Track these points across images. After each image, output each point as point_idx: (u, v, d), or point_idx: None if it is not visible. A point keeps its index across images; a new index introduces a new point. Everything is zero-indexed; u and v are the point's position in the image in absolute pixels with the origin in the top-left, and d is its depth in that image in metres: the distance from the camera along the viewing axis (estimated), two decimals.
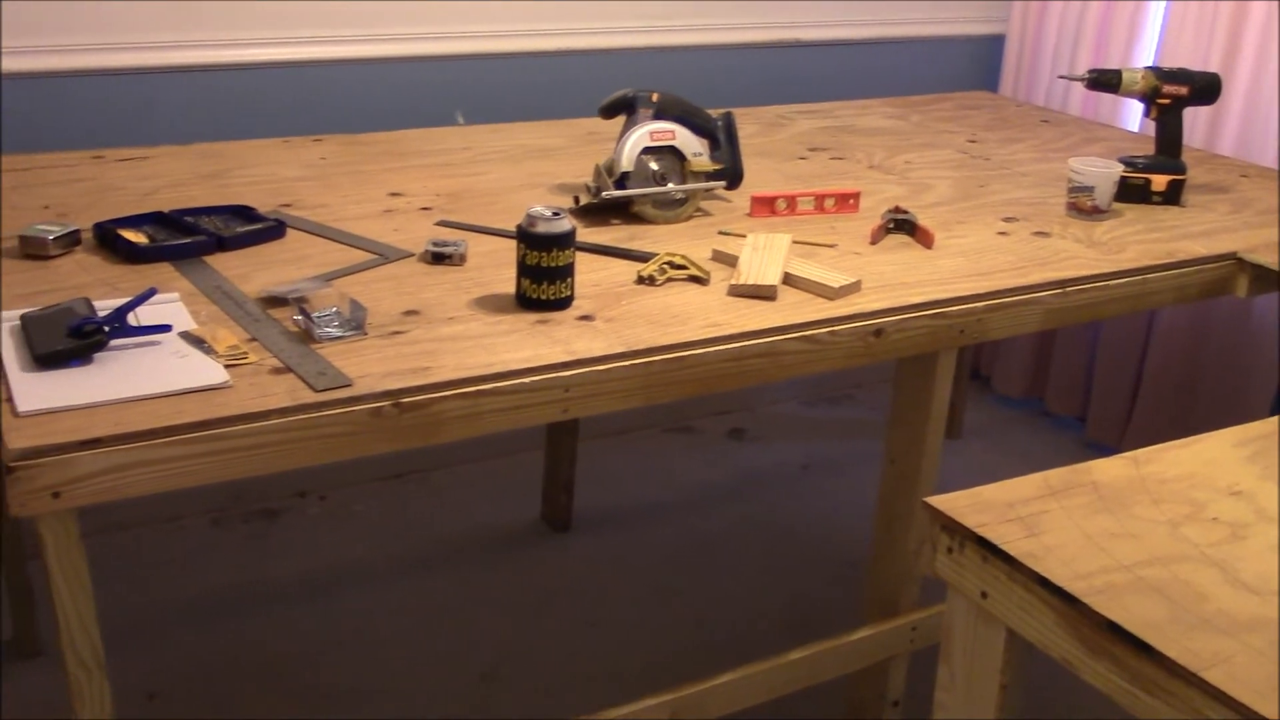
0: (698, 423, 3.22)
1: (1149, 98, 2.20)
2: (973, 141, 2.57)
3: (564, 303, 1.57)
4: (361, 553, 2.61)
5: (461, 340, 1.47)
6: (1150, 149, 2.26)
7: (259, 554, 2.58)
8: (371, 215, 1.90)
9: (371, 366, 1.39)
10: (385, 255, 1.73)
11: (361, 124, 2.48)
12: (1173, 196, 2.19)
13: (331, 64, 2.56)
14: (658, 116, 1.96)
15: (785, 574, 2.61)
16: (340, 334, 1.45)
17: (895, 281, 1.75)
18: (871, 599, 1.97)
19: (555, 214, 1.56)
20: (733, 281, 1.67)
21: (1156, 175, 2.18)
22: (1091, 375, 3.20)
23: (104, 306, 1.44)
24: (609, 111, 2.01)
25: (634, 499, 2.87)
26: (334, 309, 1.49)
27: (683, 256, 1.73)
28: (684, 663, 2.30)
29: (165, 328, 1.43)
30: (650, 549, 2.68)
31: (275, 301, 1.54)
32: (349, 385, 1.34)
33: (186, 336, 1.43)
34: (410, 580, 2.53)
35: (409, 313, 1.54)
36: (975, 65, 3.33)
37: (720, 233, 1.90)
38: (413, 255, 1.74)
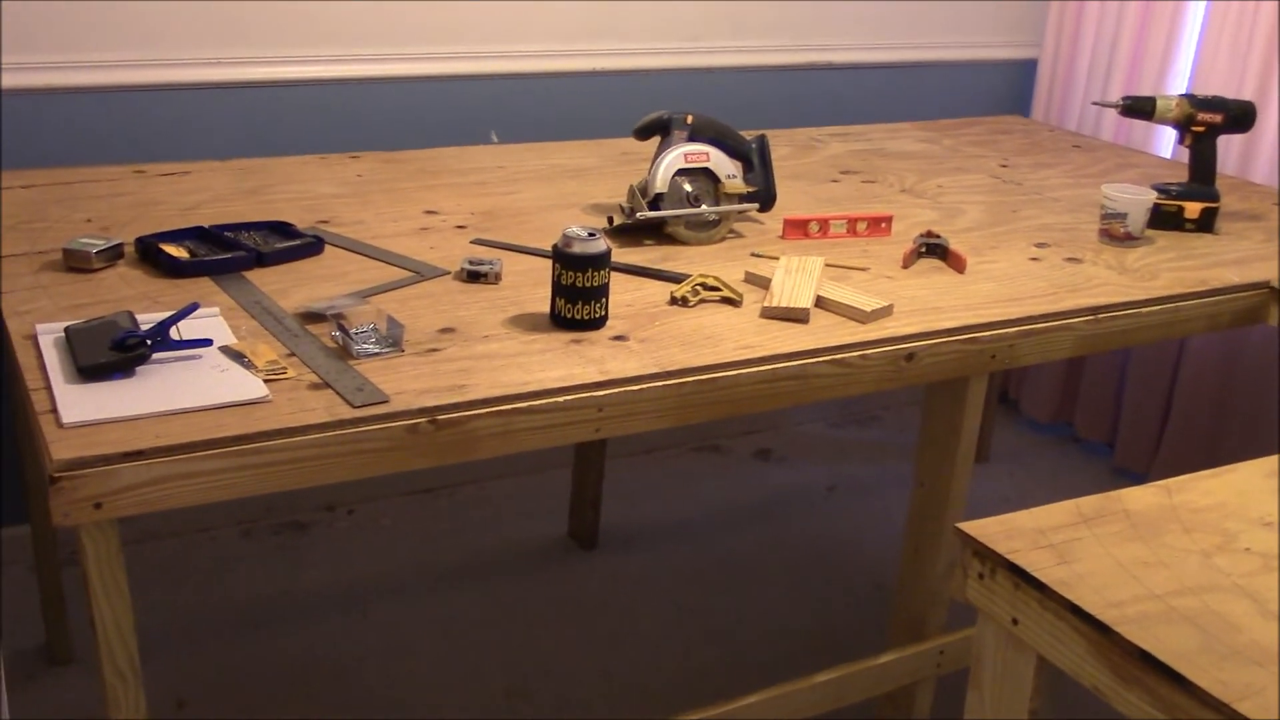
0: (725, 442, 3.23)
1: (1183, 125, 2.20)
2: (1004, 166, 2.58)
3: (598, 323, 1.59)
4: (389, 566, 2.63)
5: (496, 358, 1.49)
6: (1183, 176, 2.26)
7: (288, 566, 2.60)
8: (407, 233, 1.92)
9: (408, 383, 1.41)
10: (421, 273, 1.75)
11: (398, 142, 2.51)
12: (1206, 224, 2.19)
13: (369, 82, 2.59)
14: (692, 138, 1.98)
15: (810, 595, 2.61)
16: (378, 350, 1.47)
17: (927, 306, 1.76)
18: (899, 622, 1.97)
19: (591, 234, 1.58)
20: (765, 304, 1.68)
21: (1190, 202, 2.18)
22: (1121, 401, 3.19)
23: (146, 320, 1.46)
24: (644, 133, 2.02)
25: (660, 517, 2.88)
26: (371, 326, 1.51)
27: (716, 278, 1.74)
28: (708, 681, 2.31)
29: (206, 342, 1.45)
30: (676, 567, 2.69)
31: (313, 317, 1.56)
32: (386, 401, 1.36)
33: (227, 351, 1.45)
34: (437, 594, 2.55)
35: (445, 330, 1.56)
36: (1007, 90, 3.34)
37: (753, 255, 1.91)
38: (448, 273, 1.76)
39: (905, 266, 1.91)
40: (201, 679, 2.25)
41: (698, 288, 1.72)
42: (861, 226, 2.05)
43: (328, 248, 1.83)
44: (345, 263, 1.78)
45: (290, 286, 1.67)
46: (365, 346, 1.47)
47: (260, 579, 2.55)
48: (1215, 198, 2.20)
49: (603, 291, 1.58)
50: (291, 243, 1.79)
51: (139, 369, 1.39)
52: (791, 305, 1.67)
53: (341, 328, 1.49)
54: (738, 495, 3.00)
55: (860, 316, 1.68)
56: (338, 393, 1.37)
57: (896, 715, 1.99)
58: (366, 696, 2.24)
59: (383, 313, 1.54)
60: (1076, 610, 1.08)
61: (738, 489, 3.03)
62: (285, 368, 1.42)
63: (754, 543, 2.79)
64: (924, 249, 1.95)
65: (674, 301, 1.70)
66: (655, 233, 1.95)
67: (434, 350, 1.50)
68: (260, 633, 2.39)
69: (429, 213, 2.02)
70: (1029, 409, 3.39)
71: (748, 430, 3.27)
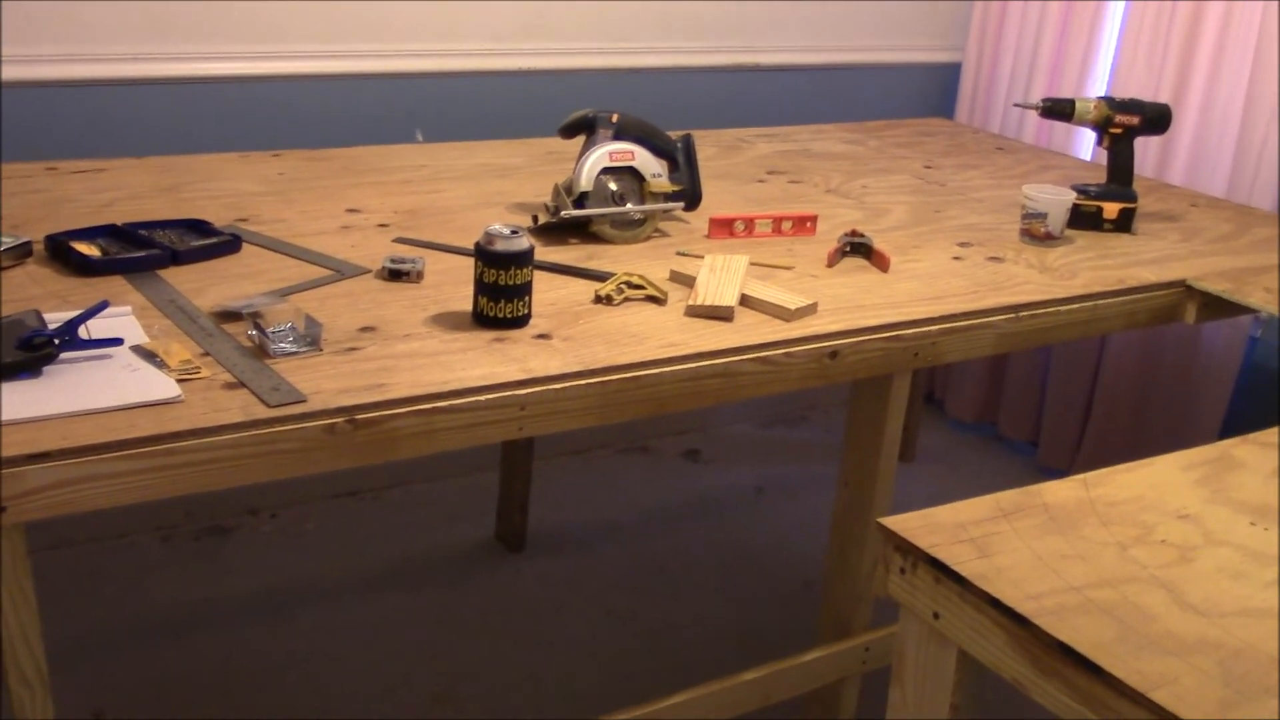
0: (653, 443, 3.22)
1: (1101, 127, 2.24)
2: (929, 167, 2.60)
3: (521, 321, 1.57)
4: (314, 571, 2.59)
5: (417, 357, 1.47)
6: (1102, 177, 2.29)
7: (210, 572, 2.55)
8: (329, 231, 1.89)
9: (326, 383, 1.38)
10: (342, 271, 1.72)
11: (321, 140, 2.47)
12: (1124, 224, 2.22)
13: (292, 79, 2.55)
14: (617, 137, 1.97)
15: (740, 595, 2.62)
16: (295, 350, 1.44)
17: (851, 304, 1.76)
18: (826, 620, 1.97)
19: (514, 232, 1.56)
20: (690, 302, 1.68)
21: (1108, 203, 2.22)
22: (1043, 400, 3.23)
23: (54, 319, 1.42)
24: (569, 131, 2.01)
25: (589, 519, 2.87)
26: (289, 324, 1.48)
27: (640, 276, 1.73)
28: (637, 683, 2.30)
29: (117, 341, 1.42)
30: (605, 569, 2.67)
31: (230, 316, 1.52)
32: (303, 401, 1.33)
33: (138, 350, 1.42)
34: (363, 599, 2.51)
35: (365, 329, 1.54)
36: (932, 92, 3.37)
37: (678, 253, 1.91)
38: (370, 272, 1.73)
39: (830, 265, 1.91)
40: (119, 689, 2.20)
41: (622, 286, 1.71)
42: (787, 226, 2.05)
43: (246, 246, 1.79)
44: (264, 261, 1.75)
45: (206, 285, 1.64)
46: (282, 345, 1.44)
47: (181, 586, 2.50)
48: (1133, 198, 2.23)
49: (525, 290, 1.57)
50: (208, 241, 1.75)
51: (46, 369, 1.35)
52: (716, 303, 1.66)
53: (258, 326, 1.46)
54: (666, 496, 2.99)
55: (784, 315, 1.68)
56: (253, 392, 1.34)
57: (823, 713, 2.00)
58: (289, 703, 2.20)
59: (301, 311, 1.51)
60: (996, 603, 1.09)
61: (666, 490, 3.02)
62: (199, 367, 1.38)
63: (683, 544, 2.79)
64: (848, 248, 1.96)
65: (598, 300, 1.69)
66: (580, 231, 1.94)
67: (353, 349, 1.47)
68: (180, 641, 2.34)
69: (351, 211, 2.00)
70: (954, 409, 3.43)
71: (676, 431, 3.27)
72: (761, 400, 3.35)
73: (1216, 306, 2.00)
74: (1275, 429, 1.47)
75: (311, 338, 1.47)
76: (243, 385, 1.36)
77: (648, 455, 3.18)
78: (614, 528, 2.84)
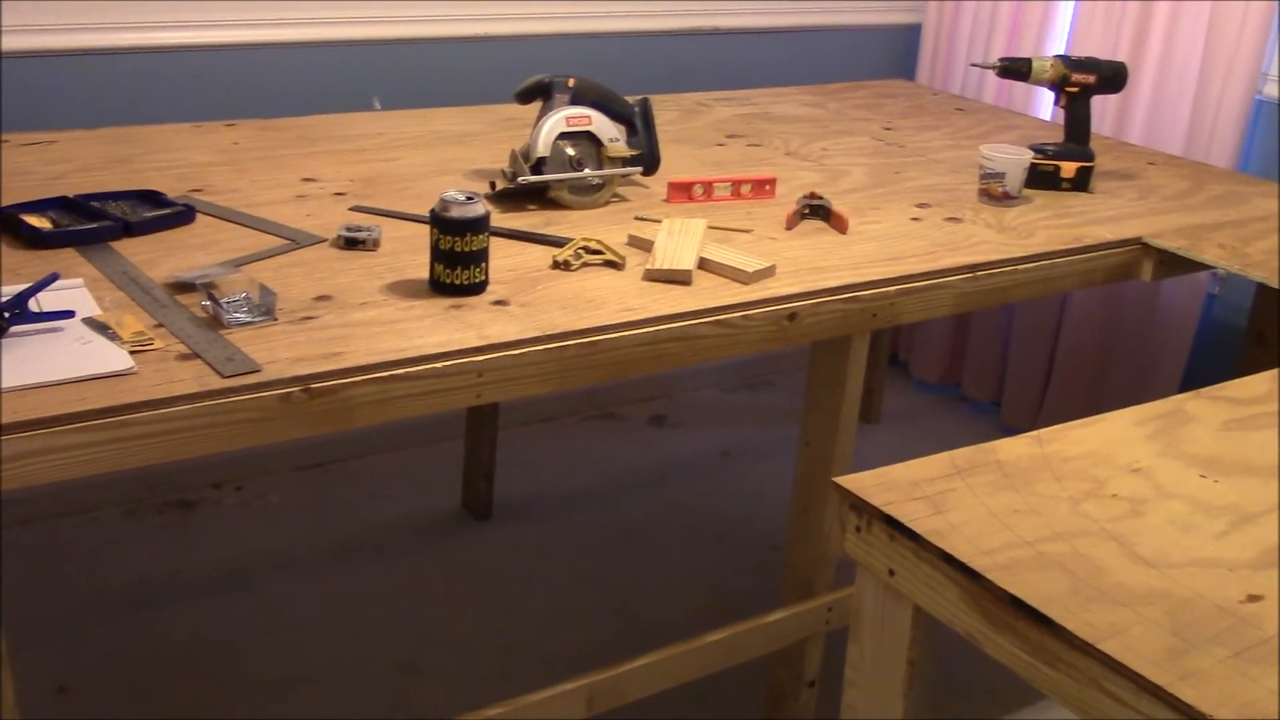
0: (619, 409, 3.23)
1: (1058, 86, 2.24)
2: (888, 129, 2.60)
3: (478, 288, 1.57)
4: (280, 543, 2.58)
5: (374, 325, 1.46)
6: (1061, 137, 2.30)
7: (175, 545, 2.54)
8: (284, 200, 1.88)
9: (281, 352, 1.37)
10: (297, 240, 1.71)
11: (277, 109, 2.45)
12: (1081, 183, 2.23)
13: (247, 48, 2.52)
14: (574, 102, 1.96)
15: (707, 559, 2.63)
16: (249, 319, 1.43)
17: (809, 266, 1.77)
18: (790, 581, 1.99)
19: (469, 198, 1.55)
20: (648, 266, 1.68)
21: (1065, 162, 2.22)
22: (1006, 361, 3.25)
23: (4, 293, 1.41)
24: (525, 97, 2.00)
25: (555, 486, 2.87)
26: (244, 294, 1.47)
27: (598, 241, 1.73)
28: (607, 649, 2.31)
29: (68, 314, 1.40)
30: (572, 536, 2.68)
31: (183, 287, 1.51)
32: (258, 371, 1.32)
33: (90, 323, 1.40)
34: (330, 570, 2.51)
35: (321, 298, 1.53)
36: (892, 54, 3.37)
37: (637, 218, 1.90)
38: (325, 241, 1.72)
39: (788, 228, 1.91)
40: (83, 664, 2.19)
41: (580, 251, 1.71)
42: (745, 189, 2.05)
43: (200, 217, 1.78)
44: (218, 232, 1.74)
45: (159, 256, 1.62)
46: (236, 315, 1.43)
47: (145, 560, 2.49)
48: (1090, 157, 2.24)
49: (482, 256, 1.56)
50: (161, 212, 1.74)
51: None
52: (673, 267, 1.66)
53: (212, 297, 1.45)
54: (632, 462, 3.00)
55: (742, 277, 1.68)
56: (207, 363, 1.33)
57: (789, 673, 2.01)
58: (256, 676, 2.20)
59: (255, 281, 1.50)
60: (949, 559, 1.10)
61: (632, 456, 3.03)
62: (152, 339, 1.37)
63: (650, 509, 2.80)
64: (807, 210, 1.96)
65: (556, 265, 1.68)
66: (538, 197, 1.93)
67: (309, 318, 1.47)
68: (145, 615, 2.33)
69: (307, 180, 1.98)
70: (918, 370, 3.45)
71: (642, 397, 3.27)
72: (726, 364, 3.35)
73: (1172, 264, 2.01)
74: (1226, 383, 1.48)
75: (266, 307, 1.46)
76: (197, 356, 1.35)
77: (613, 421, 3.18)
78: (580, 494, 2.84)
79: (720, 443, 3.11)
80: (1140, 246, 2.01)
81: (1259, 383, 1.49)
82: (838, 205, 1.97)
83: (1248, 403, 1.43)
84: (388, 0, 2.63)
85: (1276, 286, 1.88)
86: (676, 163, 2.18)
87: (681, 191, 2.01)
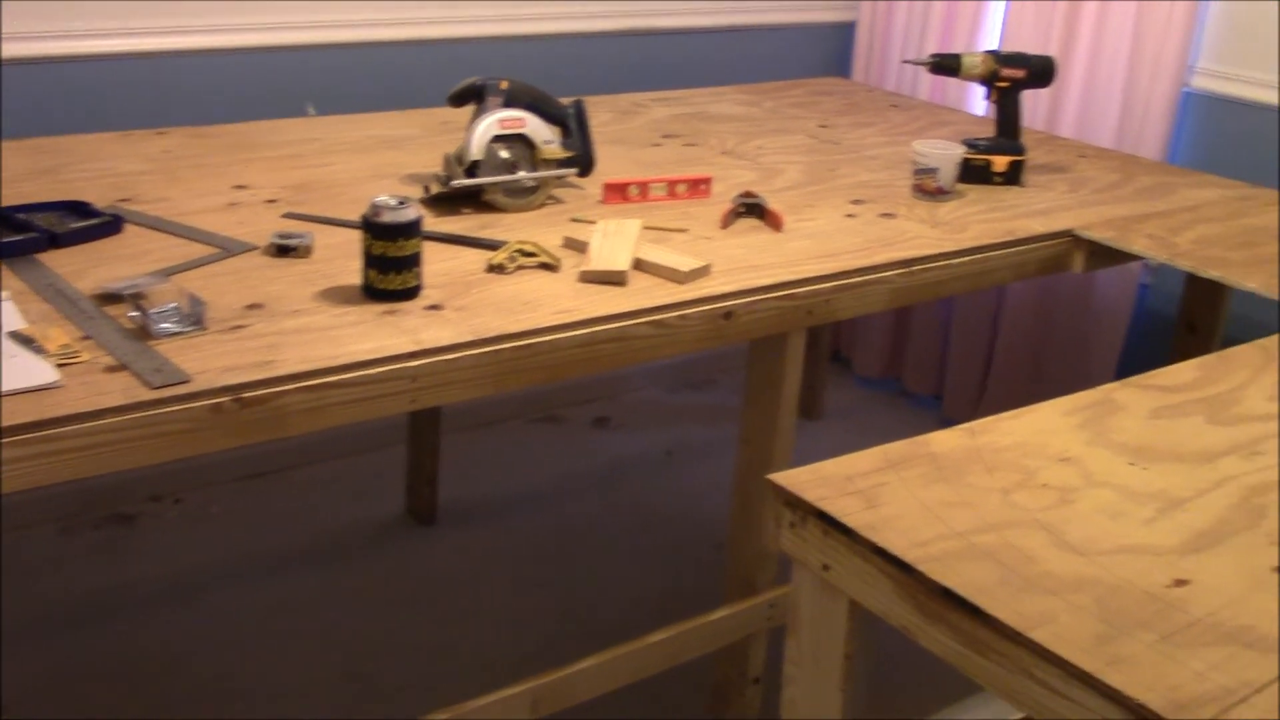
0: (562, 412, 3.22)
1: (988, 81, 2.26)
2: (824, 127, 2.61)
3: (411, 293, 1.56)
4: (221, 555, 2.55)
5: (306, 333, 1.45)
6: (993, 132, 2.32)
7: (113, 561, 2.51)
8: (215, 209, 1.86)
9: (212, 362, 1.36)
10: (228, 249, 1.69)
11: (209, 117, 2.42)
12: (1013, 177, 2.26)
13: (179, 55, 2.49)
14: (507, 104, 1.95)
15: (653, 560, 2.63)
16: (179, 329, 1.42)
17: (745, 264, 1.77)
18: (732, 579, 1.99)
19: (400, 203, 1.54)
20: (583, 268, 1.68)
21: (997, 156, 2.25)
22: (946, 354, 3.28)
23: None
24: (457, 100, 1.99)
25: (500, 490, 2.86)
26: (173, 305, 1.46)
27: (533, 244, 1.73)
28: (553, 652, 2.30)
29: None
30: (517, 540, 2.67)
31: (111, 299, 1.49)
32: (187, 381, 1.31)
33: (15, 336, 1.38)
34: (273, 580, 2.48)
35: (252, 306, 1.51)
36: (827, 52, 3.39)
37: (572, 220, 1.90)
38: (257, 248, 1.70)
39: (724, 227, 1.92)
40: (21, 683, 2.15)
41: (515, 254, 1.70)
42: (681, 189, 2.06)
43: (129, 227, 1.75)
44: (147, 242, 1.71)
45: (87, 268, 1.60)
46: (165, 326, 1.41)
47: (84, 576, 2.45)
48: (1021, 151, 2.26)
49: (414, 261, 1.55)
50: (88, 222, 1.71)
51: None
52: (608, 268, 1.66)
53: (140, 307, 1.43)
54: (576, 464, 3.00)
55: (678, 277, 1.68)
56: (135, 374, 1.32)
57: (734, 670, 2.02)
58: (198, 689, 2.17)
59: (185, 291, 1.48)
60: (882, 553, 1.11)
61: (576, 458, 3.03)
62: (79, 351, 1.35)
63: (594, 511, 2.80)
64: (742, 209, 1.97)
65: (491, 269, 1.68)
66: (473, 201, 1.92)
67: (239, 327, 1.45)
68: (84, 632, 2.30)
69: (238, 188, 1.96)
70: (860, 366, 3.47)
71: (585, 399, 3.27)
72: (669, 364, 3.36)
73: (1103, 255, 2.04)
74: (1154, 372, 1.50)
75: (196, 317, 1.44)
76: (124, 368, 1.33)
77: (557, 424, 3.18)
78: (525, 497, 2.84)
79: (664, 443, 3.12)
80: (1071, 238, 2.04)
81: (1185, 371, 1.51)
82: (773, 203, 1.98)
83: (1174, 390, 1.46)
84: (322, 6, 2.61)
85: (1204, 276, 1.91)
86: (612, 164, 2.18)
87: (617, 192, 2.01)
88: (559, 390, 3.19)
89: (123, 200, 1.86)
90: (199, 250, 1.69)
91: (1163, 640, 0.99)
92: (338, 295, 1.56)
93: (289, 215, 1.84)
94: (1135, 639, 1.00)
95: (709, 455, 3.06)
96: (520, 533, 2.70)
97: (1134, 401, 1.43)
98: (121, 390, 1.29)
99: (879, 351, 3.41)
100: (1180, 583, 1.08)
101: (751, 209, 1.98)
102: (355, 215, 1.80)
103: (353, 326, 1.48)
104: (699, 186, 2.07)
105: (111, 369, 1.33)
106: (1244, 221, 2.15)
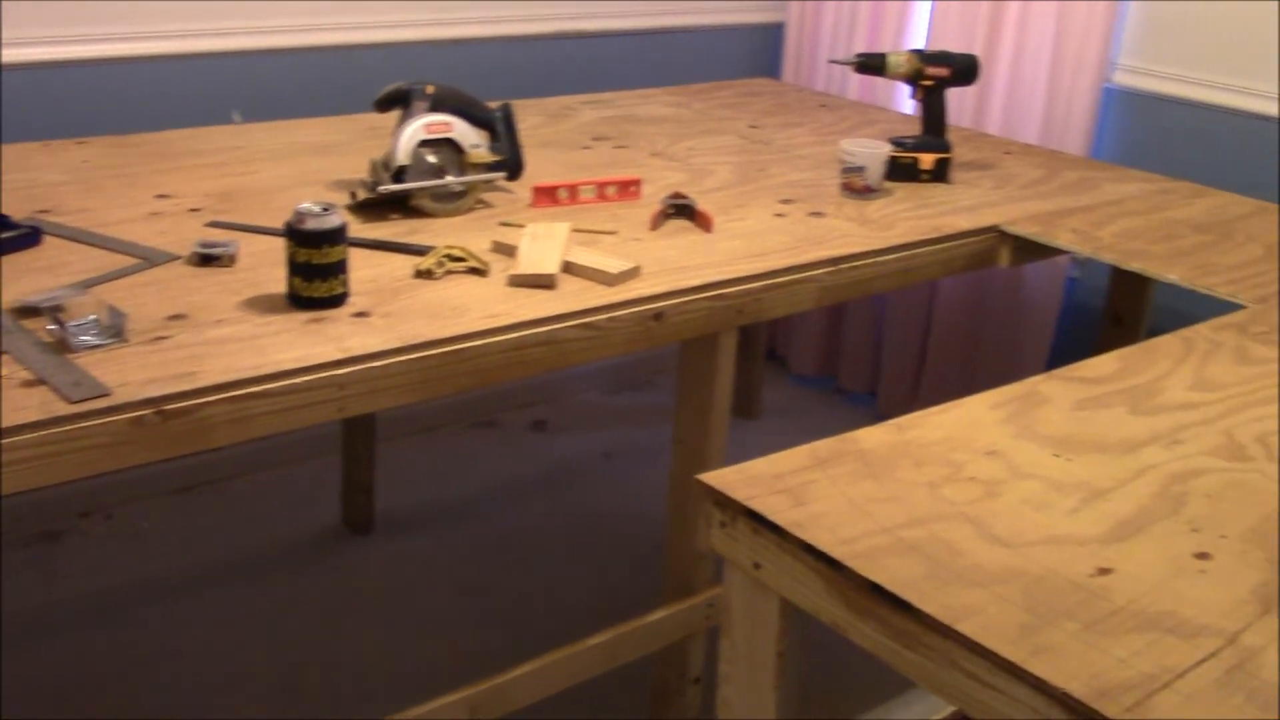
0: (500, 417, 3.21)
1: (913, 80, 2.29)
2: (754, 127, 2.62)
3: (337, 300, 1.54)
4: (154, 570, 2.51)
5: (230, 343, 1.43)
6: (920, 130, 2.34)
7: (42, 579, 2.46)
8: (137, 219, 1.83)
9: (133, 374, 1.34)
10: (150, 259, 1.67)
11: (131, 125, 2.38)
12: (940, 174, 2.28)
13: (99, 63, 2.45)
14: (434, 109, 1.94)
15: (593, 563, 2.63)
16: (98, 342, 1.39)
17: (674, 265, 1.77)
18: (669, 580, 1.99)
19: (325, 209, 1.53)
20: (511, 272, 1.67)
21: (924, 154, 2.27)
22: (880, 351, 3.31)
23: None
24: (383, 105, 1.97)
25: (437, 497, 2.84)
26: (92, 317, 1.43)
27: (461, 249, 1.71)
28: (493, 659, 2.27)
29: None
30: (455, 546, 2.66)
31: (28, 312, 1.46)
32: (107, 394, 1.29)
33: None
34: (207, 595, 2.45)
35: (174, 317, 1.49)
36: (757, 53, 3.41)
37: (501, 224, 1.89)
38: (180, 258, 1.68)
39: (653, 228, 1.92)
40: None
41: (443, 259, 1.69)
42: (611, 191, 2.05)
43: (48, 239, 1.72)
44: (67, 253, 1.68)
45: (4, 281, 1.57)
46: (84, 338, 1.39)
47: (10, 595, 2.40)
48: (947, 148, 2.29)
49: (340, 268, 1.54)
50: (5, 235, 1.67)
51: None
52: (537, 272, 1.66)
53: (58, 320, 1.40)
54: (516, 469, 2.99)
55: (607, 279, 1.68)
56: (53, 388, 1.29)
57: (673, 671, 2.02)
58: (132, 706, 2.14)
59: (104, 303, 1.46)
60: (811, 550, 1.11)
61: (515, 462, 3.01)
62: None
63: (534, 515, 2.79)
64: (671, 210, 1.97)
65: (419, 275, 1.66)
66: (401, 206, 1.91)
67: (162, 338, 1.43)
68: (12, 652, 2.25)
69: (161, 197, 1.93)
70: (795, 364, 3.49)
71: (522, 403, 3.26)
72: (606, 366, 3.36)
73: (1028, 250, 2.07)
74: (1077, 364, 1.53)
75: (116, 329, 1.42)
76: (42, 382, 1.30)
77: (495, 429, 3.17)
78: (463, 504, 2.82)
79: (602, 445, 3.11)
80: (997, 234, 2.06)
81: (1107, 362, 1.54)
82: (703, 204, 1.99)
83: (1097, 382, 1.48)
84: (246, 11, 2.58)
85: (1127, 268, 1.94)
86: (542, 167, 2.17)
87: (546, 196, 2.01)
88: (496, 395, 3.18)
89: (41, 212, 1.83)
90: (120, 261, 1.66)
91: (1086, 629, 1.01)
92: (263, 304, 1.55)
93: (212, 224, 1.82)
94: (1060, 628, 1.01)
95: (648, 456, 3.06)
96: (458, 539, 2.68)
97: (1058, 393, 1.45)
98: (39, 405, 1.26)
99: (814, 349, 3.43)
100: (1103, 571, 1.09)
101: (681, 210, 1.98)
102: (280, 223, 1.77)
103: (278, 335, 1.46)
104: (629, 188, 2.07)
105: (29, 383, 1.30)
106: (1165, 214, 2.19)
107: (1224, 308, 1.79)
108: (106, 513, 2.68)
